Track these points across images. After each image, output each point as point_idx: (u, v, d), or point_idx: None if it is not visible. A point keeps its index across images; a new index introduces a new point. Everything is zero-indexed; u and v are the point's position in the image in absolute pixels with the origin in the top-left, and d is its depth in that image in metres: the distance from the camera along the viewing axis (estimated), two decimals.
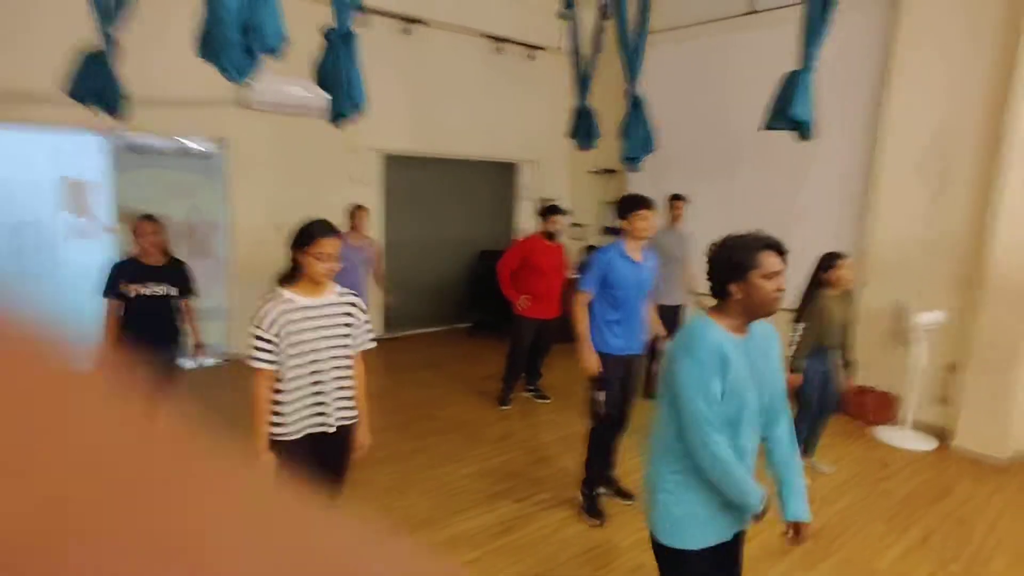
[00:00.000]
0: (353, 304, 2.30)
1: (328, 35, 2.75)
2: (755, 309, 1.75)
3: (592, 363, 3.23)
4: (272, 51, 2.27)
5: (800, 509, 1.82)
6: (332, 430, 2.28)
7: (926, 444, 4.50)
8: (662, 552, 1.88)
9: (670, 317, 4.70)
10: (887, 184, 4.93)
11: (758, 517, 1.80)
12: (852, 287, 3.80)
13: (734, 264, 1.74)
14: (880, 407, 4.87)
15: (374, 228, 6.59)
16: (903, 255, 4.86)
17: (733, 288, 1.74)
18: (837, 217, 5.39)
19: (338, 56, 2.72)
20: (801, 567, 2.97)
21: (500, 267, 4.75)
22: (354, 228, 4.79)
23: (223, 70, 2.10)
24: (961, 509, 3.64)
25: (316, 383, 2.21)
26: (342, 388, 2.30)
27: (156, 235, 3.28)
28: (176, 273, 3.41)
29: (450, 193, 7.49)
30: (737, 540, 1.97)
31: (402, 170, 6.92)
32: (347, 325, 2.27)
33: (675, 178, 6.69)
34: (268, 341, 2.10)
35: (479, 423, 4.65)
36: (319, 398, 2.23)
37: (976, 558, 3.13)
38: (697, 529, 1.82)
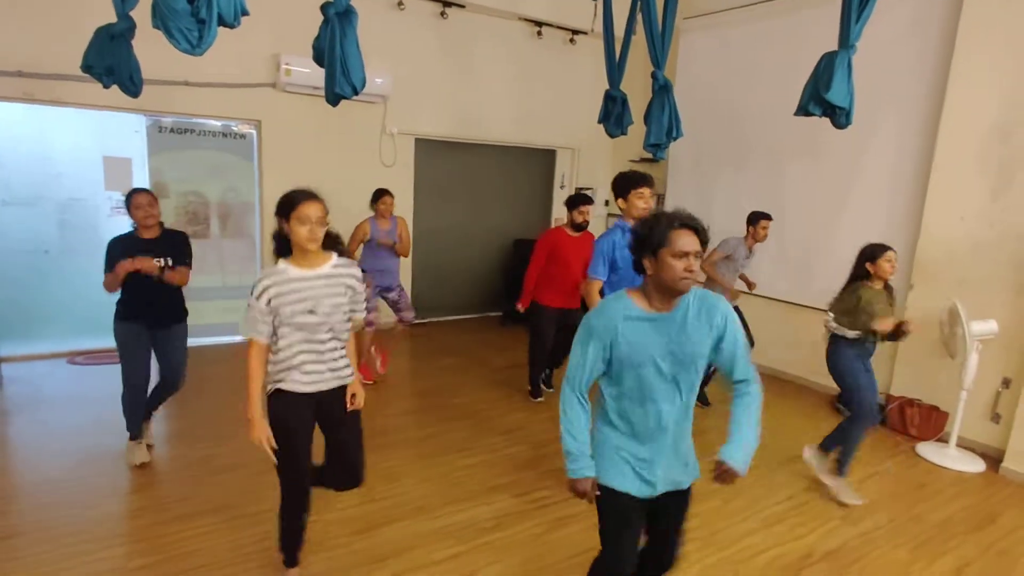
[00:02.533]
0: (353, 276, 2.33)
1: (324, 10, 2.68)
2: (666, 286, 1.77)
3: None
4: (226, 21, 2.21)
5: (731, 453, 1.87)
6: (333, 385, 2.34)
7: (972, 465, 4.11)
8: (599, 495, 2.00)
9: None
10: (943, 178, 4.51)
11: (577, 492, 1.91)
12: (890, 280, 3.53)
13: (648, 240, 1.78)
14: (924, 422, 4.49)
15: (404, 212, 6.59)
16: (956, 256, 4.43)
17: (646, 264, 1.80)
18: (887, 213, 4.99)
19: (335, 33, 2.65)
20: None
21: (529, 272, 4.63)
22: (379, 213, 4.80)
23: (171, 38, 2.06)
24: (1005, 540, 3.29)
25: (313, 351, 2.26)
26: (340, 357, 2.36)
27: (151, 207, 3.28)
28: (171, 244, 3.39)
29: (485, 180, 7.38)
30: (669, 510, 2.02)
31: (436, 155, 6.87)
32: (345, 295, 2.30)
33: (717, 169, 6.38)
34: (260, 312, 2.17)
35: (492, 413, 4.57)
36: (316, 366, 2.28)
37: None
38: (613, 469, 1.94)
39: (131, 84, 3.30)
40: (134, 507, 3.10)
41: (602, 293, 3.27)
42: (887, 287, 3.57)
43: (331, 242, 2.29)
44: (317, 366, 2.28)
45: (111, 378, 4.87)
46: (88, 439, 3.79)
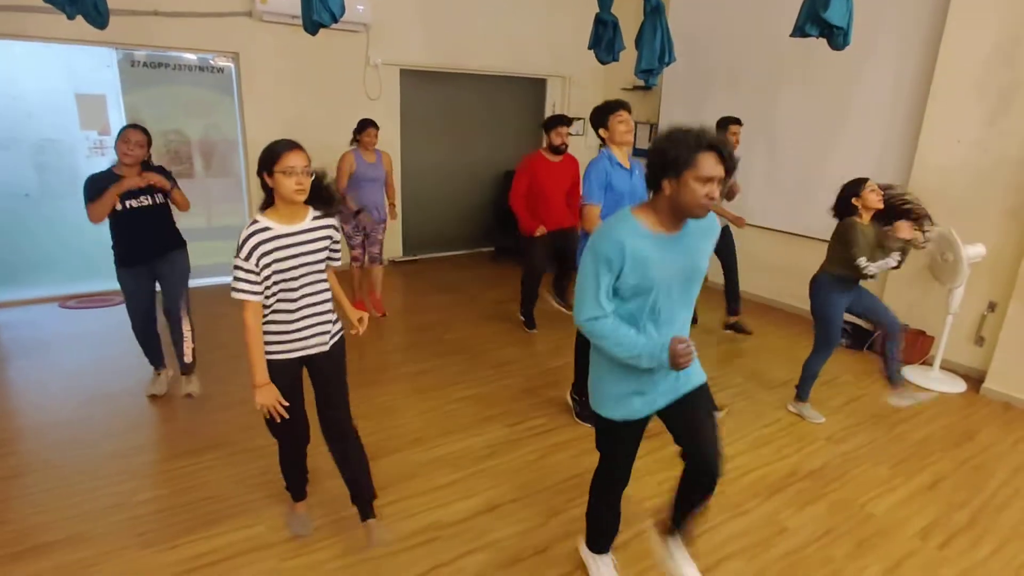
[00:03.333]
0: (333, 227, 2.27)
1: None
2: (682, 210, 1.72)
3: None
4: None
5: None
6: (325, 348, 2.31)
7: (955, 386, 4.23)
8: (597, 418, 2.04)
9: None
10: (941, 102, 4.41)
11: (675, 364, 1.76)
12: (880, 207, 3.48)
13: (671, 160, 1.67)
14: (910, 346, 4.58)
15: (391, 147, 6.45)
16: (950, 182, 4.40)
17: (665, 184, 1.71)
18: (882, 140, 4.92)
19: None
20: (791, 506, 2.87)
21: (513, 199, 4.56)
22: (364, 146, 4.67)
23: None
24: (981, 455, 3.42)
25: (302, 308, 2.21)
26: (327, 311, 2.31)
27: (138, 147, 3.18)
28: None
29: (474, 111, 7.18)
30: (684, 407, 1.99)
31: (422, 87, 6.65)
32: (327, 248, 2.25)
33: (710, 96, 6.22)
34: (249, 271, 2.08)
35: (485, 347, 4.62)
36: (308, 321, 2.24)
37: (987, 506, 2.95)
38: (611, 401, 1.96)
39: (96, 14, 3.14)
40: (138, 444, 3.17)
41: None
42: (875, 219, 3.49)
43: (322, 189, 2.20)
44: (310, 320, 2.24)
45: (105, 320, 4.90)
46: (88, 380, 3.84)
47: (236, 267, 2.07)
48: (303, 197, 2.11)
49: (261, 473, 2.92)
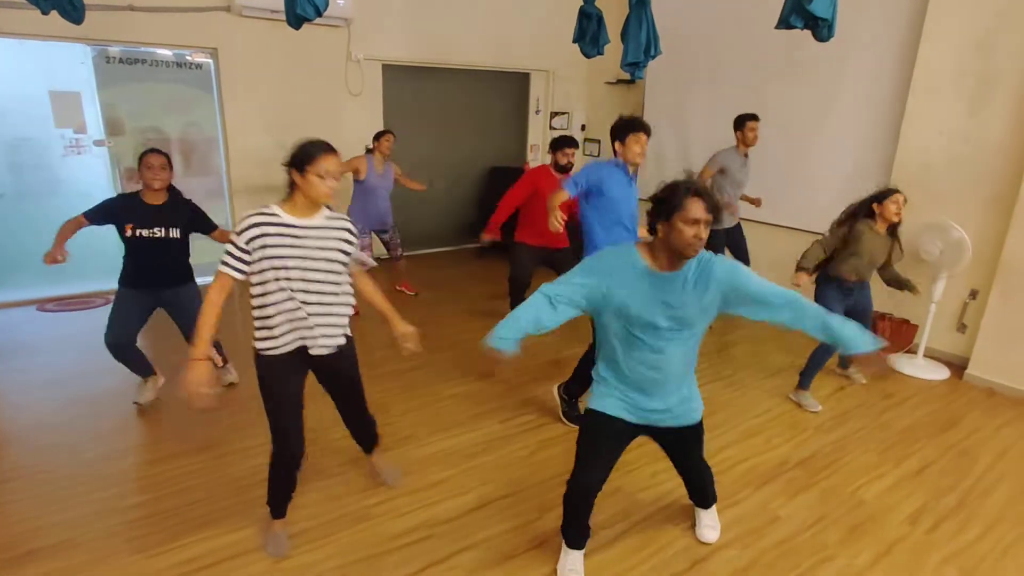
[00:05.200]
0: (348, 230, 2.24)
1: None
2: (673, 249, 1.92)
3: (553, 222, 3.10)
4: None
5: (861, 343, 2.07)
6: (321, 352, 2.25)
7: (938, 374, 4.29)
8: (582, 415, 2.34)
9: (725, 239, 4.79)
10: (923, 93, 4.46)
11: (495, 352, 2.00)
12: (899, 223, 3.58)
13: (664, 206, 1.90)
14: (895, 335, 4.64)
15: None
16: (931, 173, 4.46)
17: (660, 227, 1.93)
18: (864, 131, 4.96)
19: None
20: (782, 494, 2.89)
21: (505, 199, 4.53)
22: (380, 151, 4.91)
23: None
24: (966, 441, 3.48)
25: (297, 301, 2.16)
26: (329, 314, 2.23)
27: (162, 170, 3.16)
28: (180, 214, 3.31)
29: (457, 107, 7.14)
30: (672, 438, 2.30)
31: (405, 82, 6.60)
32: (342, 251, 2.21)
33: (695, 89, 6.24)
34: (240, 249, 2.07)
35: (474, 344, 4.60)
36: (303, 318, 2.18)
37: (973, 490, 3.00)
38: (601, 399, 2.19)
39: (71, 8, 3.06)
40: (124, 448, 3.11)
41: (580, 218, 3.30)
42: (892, 233, 3.59)
43: None
44: (306, 320, 2.18)
45: (85, 324, 4.80)
46: (72, 384, 3.76)
47: (231, 242, 2.08)
48: (330, 199, 2.12)
49: (252, 474, 2.88)
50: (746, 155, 4.77)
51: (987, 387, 4.15)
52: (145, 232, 3.20)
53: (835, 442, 3.39)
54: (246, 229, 2.06)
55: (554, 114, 7.61)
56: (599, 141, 7.56)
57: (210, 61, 5.51)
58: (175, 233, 3.28)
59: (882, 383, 4.18)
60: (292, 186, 2.12)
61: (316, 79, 5.89)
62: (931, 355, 4.51)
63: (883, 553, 2.53)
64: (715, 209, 1.90)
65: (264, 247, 2.07)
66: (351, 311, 2.31)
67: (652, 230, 1.97)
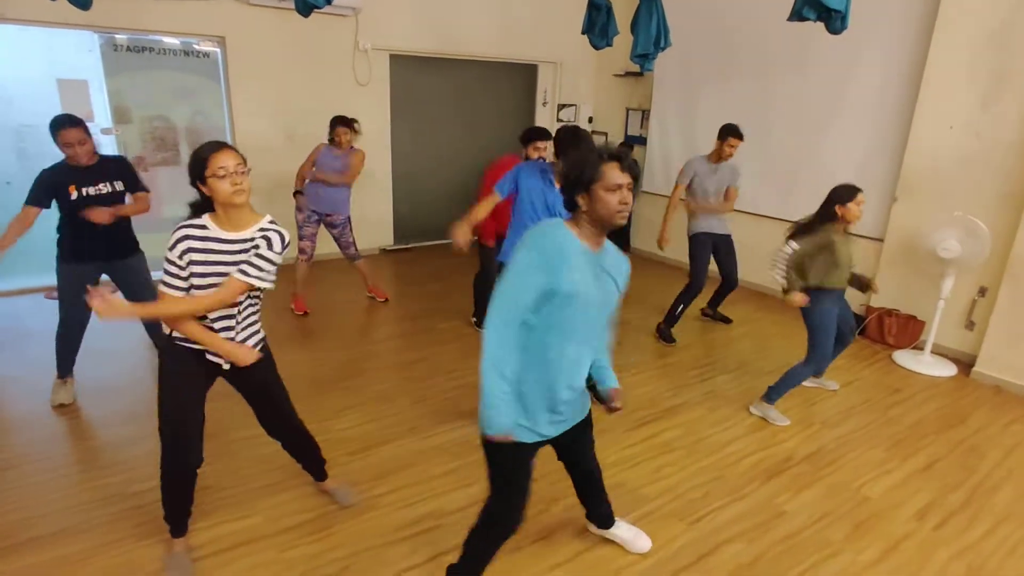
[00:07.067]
0: (267, 238, 2.01)
1: None
2: (601, 221, 1.75)
3: (459, 236, 3.13)
4: None
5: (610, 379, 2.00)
6: (229, 366, 2.18)
7: (946, 370, 4.27)
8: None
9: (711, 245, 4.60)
10: (934, 86, 4.42)
11: (490, 436, 1.81)
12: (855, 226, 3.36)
13: (580, 177, 1.74)
14: (902, 331, 4.62)
15: (381, 134, 6.37)
16: (941, 169, 4.42)
17: (580, 200, 1.76)
18: (874, 125, 4.93)
19: None
20: (788, 489, 2.89)
21: (478, 205, 4.42)
22: (337, 144, 4.59)
23: None
24: (974, 438, 3.46)
25: (224, 318, 2.08)
26: (252, 325, 2.18)
27: (81, 145, 2.99)
28: (112, 171, 3.13)
29: (464, 98, 7.10)
30: (577, 440, 2.16)
31: (412, 72, 6.56)
32: (245, 265, 2.00)
33: (704, 82, 6.20)
34: (174, 264, 1.96)
35: (479, 337, 4.58)
36: (228, 334, 2.11)
37: (981, 487, 2.99)
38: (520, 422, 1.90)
39: None
40: (130, 435, 3.12)
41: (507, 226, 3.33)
42: (848, 233, 3.35)
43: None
44: (229, 333, 2.11)
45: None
46: (78, 371, 3.75)
47: (166, 259, 1.97)
48: (243, 198, 1.95)
49: (257, 463, 2.89)
50: (717, 165, 4.41)
51: (994, 384, 4.13)
52: (91, 190, 3.05)
53: (841, 437, 3.38)
54: (176, 244, 1.96)
55: (561, 106, 7.57)
56: (606, 134, 7.52)
57: (217, 50, 5.49)
58: (119, 186, 3.13)
59: (889, 378, 4.16)
60: (209, 202, 1.99)
61: (323, 68, 5.87)
62: (938, 351, 4.49)
63: (889, 550, 2.52)
64: (632, 168, 1.75)
65: (191, 263, 1.97)
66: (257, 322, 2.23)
67: (571, 206, 1.79)
